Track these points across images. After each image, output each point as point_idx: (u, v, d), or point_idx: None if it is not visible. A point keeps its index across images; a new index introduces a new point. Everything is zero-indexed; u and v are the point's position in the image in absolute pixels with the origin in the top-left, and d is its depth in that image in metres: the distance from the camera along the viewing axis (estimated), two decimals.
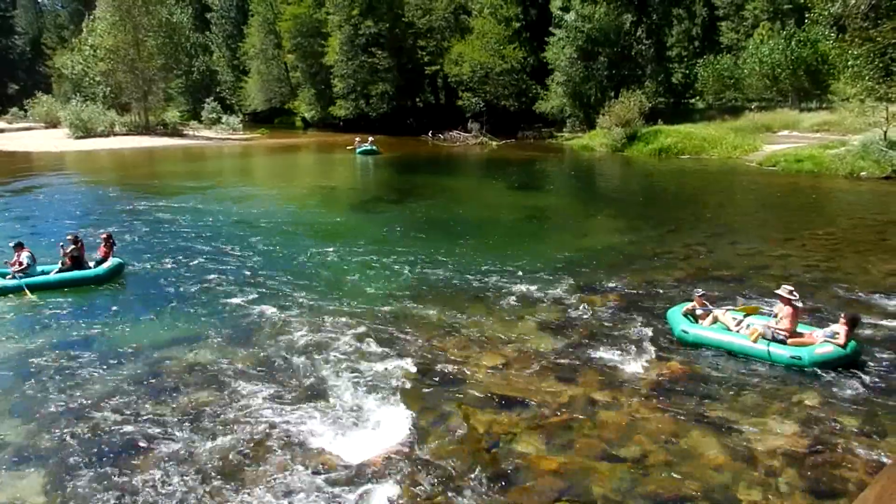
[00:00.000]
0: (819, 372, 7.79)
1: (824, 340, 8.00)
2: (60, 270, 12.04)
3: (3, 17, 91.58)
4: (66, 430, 6.99)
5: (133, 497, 5.86)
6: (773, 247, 13.72)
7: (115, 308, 10.94)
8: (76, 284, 11.91)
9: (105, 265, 12.28)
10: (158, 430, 6.91)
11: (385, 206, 21.01)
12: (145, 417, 7.20)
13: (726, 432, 6.64)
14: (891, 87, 21.71)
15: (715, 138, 30.41)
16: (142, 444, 6.68)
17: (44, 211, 20.64)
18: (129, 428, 6.99)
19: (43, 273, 12.01)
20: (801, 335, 8.26)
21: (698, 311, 9.08)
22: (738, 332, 8.62)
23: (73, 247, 12.16)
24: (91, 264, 12.33)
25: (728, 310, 9.07)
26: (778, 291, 8.46)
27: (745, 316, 8.82)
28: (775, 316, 8.48)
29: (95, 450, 6.60)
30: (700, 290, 9.53)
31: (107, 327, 10.03)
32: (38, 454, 6.61)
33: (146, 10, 51.47)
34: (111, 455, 6.51)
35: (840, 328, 7.96)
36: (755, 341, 8.25)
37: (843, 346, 7.82)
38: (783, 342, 8.17)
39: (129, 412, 7.33)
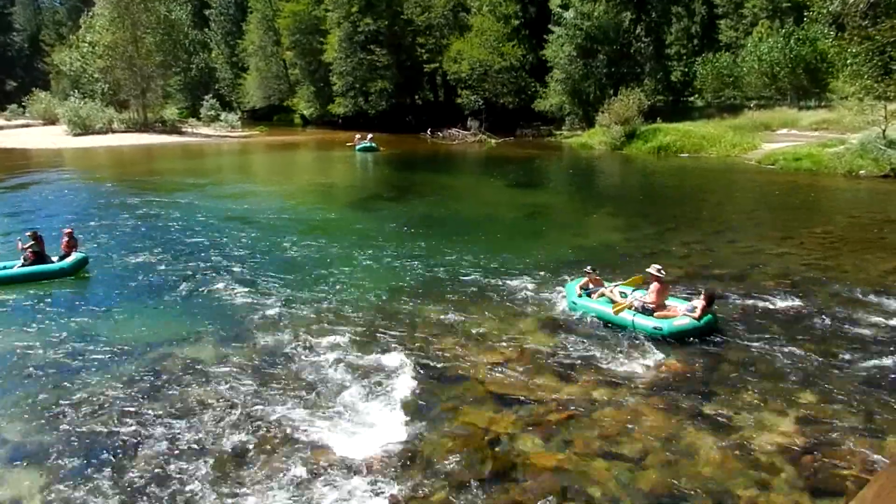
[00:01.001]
0: (685, 343, 8.52)
1: (684, 314, 8.87)
2: (23, 266, 12.12)
3: (2, 14, 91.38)
4: (47, 429, 6.96)
5: (122, 497, 5.86)
6: (771, 245, 13.72)
7: (86, 302, 11.13)
8: (40, 279, 12.02)
9: (68, 259, 12.37)
10: (147, 427, 6.89)
11: (384, 203, 20.97)
12: (132, 414, 7.18)
13: (724, 430, 6.64)
14: (889, 85, 21.69)
15: (714, 136, 30.36)
16: (134, 441, 6.66)
17: (38, 206, 20.57)
18: (114, 425, 6.97)
19: (5, 268, 12.12)
20: (667, 308, 9.15)
21: (591, 287, 10.01)
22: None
23: (31, 243, 12.25)
24: (54, 259, 12.41)
25: (617, 285, 9.98)
26: (648, 269, 9.37)
27: (634, 289, 9.69)
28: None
29: (84, 448, 6.59)
30: (589, 267, 10.34)
31: (79, 321, 10.07)
32: (23, 452, 6.59)
33: (144, 7, 51.23)
34: (100, 453, 6.50)
35: (699, 303, 8.87)
36: (616, 313, 9.13)
37: (699, 319, 8.73)
38: (651, 313, 9.04)
39: (114, 409, 7.29)
